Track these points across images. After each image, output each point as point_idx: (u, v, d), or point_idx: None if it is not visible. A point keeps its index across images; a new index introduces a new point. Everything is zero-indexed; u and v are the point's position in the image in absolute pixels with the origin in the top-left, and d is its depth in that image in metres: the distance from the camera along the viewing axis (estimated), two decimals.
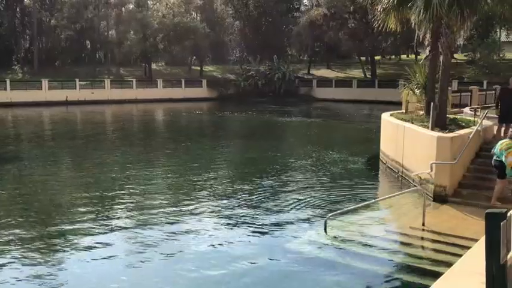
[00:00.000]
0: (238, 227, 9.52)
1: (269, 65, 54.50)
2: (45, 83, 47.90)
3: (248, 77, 54.32)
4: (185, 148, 20.87)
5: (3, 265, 7.58)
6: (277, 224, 9.67)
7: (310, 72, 62.16)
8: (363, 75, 57.32)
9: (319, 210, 10.61)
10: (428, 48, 14.01)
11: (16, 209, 10.76)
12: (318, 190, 12.52)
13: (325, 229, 9.11)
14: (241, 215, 10.24)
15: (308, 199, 11.47)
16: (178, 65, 64.44)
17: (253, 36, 61.84)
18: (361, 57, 59.91)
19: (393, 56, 65.88)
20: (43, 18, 63.15)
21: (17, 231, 9.16)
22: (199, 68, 63.46)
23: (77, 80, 49.89)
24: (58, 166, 16.88)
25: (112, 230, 9.27)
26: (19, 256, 7.92)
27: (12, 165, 16.62)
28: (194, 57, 64.13)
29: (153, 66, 63.89)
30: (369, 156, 17.66)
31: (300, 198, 11.52)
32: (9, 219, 9.89)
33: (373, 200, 11.22)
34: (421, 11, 12.02)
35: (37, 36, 61.65)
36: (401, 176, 13.44)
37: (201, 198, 11.55)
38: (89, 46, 67.10)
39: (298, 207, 10.81)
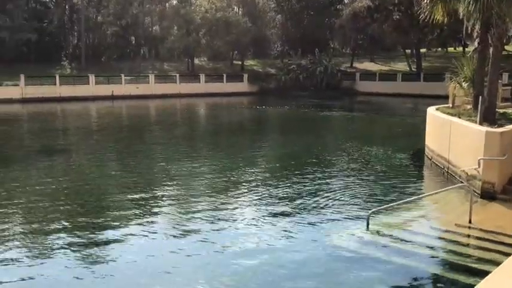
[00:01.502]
0: (279, 221, 9.53)
1: (311, 59, 54.07)
2: (92, 78, 49.39)
3: (289, 71, 54.09)
4: (227, 142, 21.06)
5: (55, 250, 7.86)
6: (318, 219, 9.63)
7: (353, 65, 61.24)
8: (407, 68, 55.94)
9: (361, 205, 10.48)
10: (477, 40, 13.52)
11: (64, 198, 11.17)
12: (360, 185, 12.37)
13: (367, 225, 8.99)
14: (282, 209, 10.26)
15: (350, 194, 11.36)
16: (220, 59, 64.95)
17: (295, 30, 61.49)
18: (406, 50, 58.40)
19: (439, 49, 63.89)
20: (90, 15, 65.05)
21: (64, 219, 9.51)
22: (240, 63, 63.73)
23: (123, 75, 51.17)
24: (104, 158, 17.38)
25: (155, 221, 9.47)
26: (66, 244, 8.18)
27: (61, 157, 17.26)
28: (236, 51, 64.43)
29: (196, 61, 64.67)
30: (414, 151, 17.27)
31: (342, 193, 11.42)
32: (57, 208, 10.28)
33: (418, 196, 10.97)
34: (471, 1, 11.61)
35: (84, 32, 63.55)
36: (447, 171, 13.07)
37: (242, 192, 11.63)
38: (133, 42, 68.60)
39: (340, 202, 10.72)
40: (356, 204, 10.58)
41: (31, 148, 20.09)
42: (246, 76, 56.18)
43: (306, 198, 11.01)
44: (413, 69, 54.82)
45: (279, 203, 10.64)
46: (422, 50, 58.93)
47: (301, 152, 17.85)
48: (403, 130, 24.24)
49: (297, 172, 13.84)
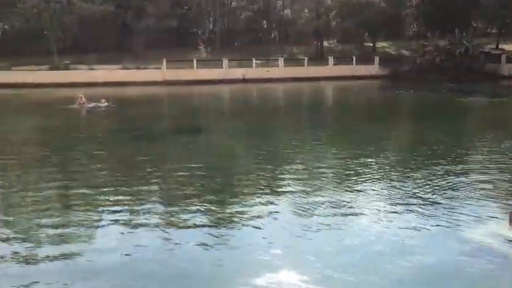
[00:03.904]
0: (408, 212, 9.01)
1: (450, 40, 50.19)
2: (225, 62, 51.68)
3: (425, 53, 50.87)
4: (355, 127, 20.61)
5: (189, 227, 8.35)
6: (453, 213, 8.91)
7: (499, 46, 55.59)
8: None
9: (502, 200, 9.54)
10: None
11: (199, 177, 11.85)
12: (501, 179, 11.24)
13: (510, 222, 8.15)
14: (412, 199, 9.70)
15: (489, 187, 10.39)
16: (350, 41, 63.47)
17: (433, 9, 57.49)
18: None
19: None
20: (226, 1, 67.77)
21: (196, 197, 10.03)
22: (371, 45, 61.63)
23: (254, 59, 52.68)
24: (236, 138, 18.12)
25: (279, 201, 9.54)
26: (199, 222, 8.50)
27: (198, 137, 18.39)
28: (367, 33, 62.40)
29: (325, 43, 64.05)
30: None
31: (480, 186, 10.48)
32: (192, 187, 10.93)
33: None
34: None
35: (220, 18, 66.45)
36: None
37: (368, 180, 11.23)
38: (265, 26, 70.05)
39: (477, 196, 9.86)
40: (496, 198, 9.65)
41: (171, 127, 21.75)
42: (377, 58, 54.23)
43: (438, 190, 10.26)
44: None
45: (406, 196, 9.99)
46: None
47: (435, 141, 16.75)
48: None
49: (429, 162, 12.99)
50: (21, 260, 6.88)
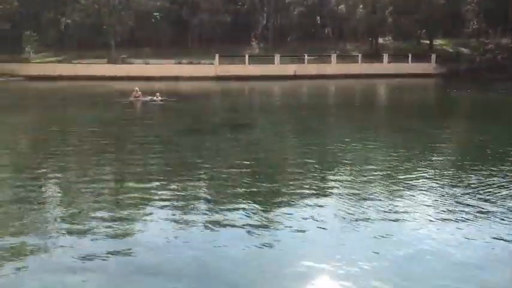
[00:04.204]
0: (461, 220, 8.58)
1: None
2: (277, 57, 51.72)
3: (486, 51, 48.86)
4: (407, 127, 20.07)
5: (233, 226, 8.41)
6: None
7: None
8: None
9: None
10: None
11: (247, 174, 11.91)
12: None
13: None
14: (466, 207, 9.23)
15: None
16: (406, 39, 61.79)
17: (494, 5, 54.89)
18: None
19: None
20: None
21: (243, 195, 10.05)
22: (428, 42, 59.73)
23: (306, 55, 52.38)
24: (284, 135, 18.12)
25: (325, 203, 9.40)
26: (244, 222, 8.48)
27: (248, 133, 18.50)
28: (424, 30, 60.53)
29: (380, 40, 62.70)
30: None
31: None
32: (239, 184, 10.98)
33: None
34: None
35: (273, 13, 66.46)
36: None
37: (420, 183, 10.86)
38: (318, 22, 69.45)
39: None
40: None
41: (221, 121, 22.02)
42: (433, 56, 52.58)
43: (494, 199, 9.72)
44: None
45: (459, 202, 9.47)
46: None
47: (490, 142, 16.04)
48: None
49: (483, 167, 12.41)
50: (74, 250, 7.13)
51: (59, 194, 10.04)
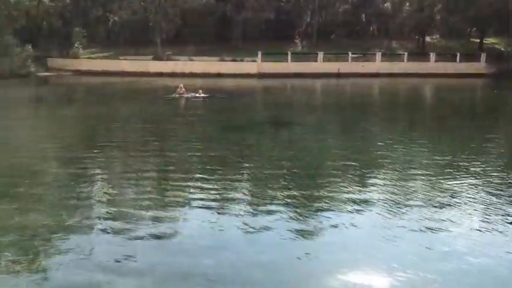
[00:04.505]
0: (509, 225, 8.26)
1: None
2: (320, 55, 51.22)
3: None
4: (452, 128, 19.46)
5: (272, 223, 8.33)
6: None
7: None
8: None
9: None
10: None
11: (288, 171, 11.86)
12: None
13: None
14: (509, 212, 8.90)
15: None
16: (455, 37, 59.82)
17: None
18: None
19: None
20: None
21: (282, 192, 10.02)
22: (478, 41, 57.61)
23: (349, 53, 51.62)
24: (326, 133, 17.92)
25: (366, 203, 9.22)
26: (283, 220, 8.48)
27: (289, 130, 18.46)
28: (474, 28, 58.41)
29: (427, 38, 61.00)
30: None
31: None
32: (279, 182, 10.94)
33: None
34: None
35: (317, 10, 65.82)
36: None
37: (465, 186, 10.45)
38: (363, 19, 68.26)
39: None
40: None
41: (263, 119, 22.04)
42: (483, 55, 50.65)
43: None
44: None
45: (506, 206, 9.17)
46: None
47: None
48: None
49: None
50: (111, 248, 7.29)
51: (101, 190, 10.24)
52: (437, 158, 13.60)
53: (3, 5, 47.59)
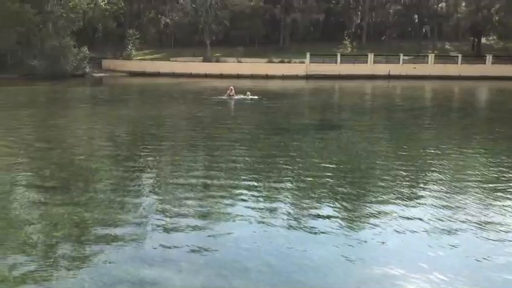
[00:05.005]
0: None
1: None
2: (370, 57, 50.44)
3: None
4: (508, 133, 18.64)
5: (316, 230, 8.22)
6: None
7: None
8: None
9: None
10: None
11: (333, 176, 11.70)
12: None
13: None
14: None
15: None
16: None
17: None
18: None
19: None
20: None
21: (327, 199, 9.89)
22: None
23: (401, 55, 50.54)
24: (375, 137, 17.60)
25: (413, 213, 8.96)
26: (327, 228, 8.37)
27: (336, 134, 18.27)
28: None
29: (483, 40, 58.75)
30: None
31: None
32: (323, 188, 10.83)
33: None
34: None
35: (368, 11, 64.86)
36: None
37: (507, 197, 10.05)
38: (416, 20, 66.66)
39: None
40: None
41: (310, 121, 21.96)
42: None
43: None
44: None
45: None
46: None
47: None
48: None
49: None
50: (158, 243, 7.48)
51: (151, 188, 10.51)
52: (491, 164, 13.05)
53: (62, 8, 49.85)
